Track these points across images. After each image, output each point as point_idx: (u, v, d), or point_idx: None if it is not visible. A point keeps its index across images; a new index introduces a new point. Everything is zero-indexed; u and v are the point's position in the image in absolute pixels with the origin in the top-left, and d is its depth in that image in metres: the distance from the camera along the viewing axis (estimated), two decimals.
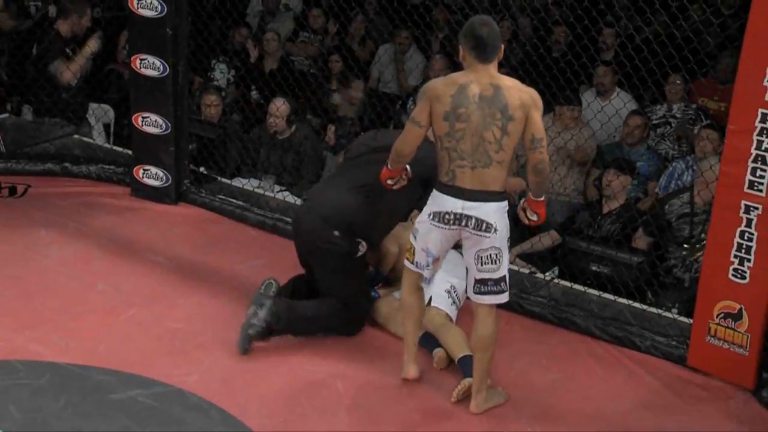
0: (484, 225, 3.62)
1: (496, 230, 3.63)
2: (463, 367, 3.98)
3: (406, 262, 3.90)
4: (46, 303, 4.53)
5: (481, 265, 3.69)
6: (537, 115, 3.61)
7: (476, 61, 3.62)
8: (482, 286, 3.73)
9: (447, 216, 3.66)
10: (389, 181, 3.93)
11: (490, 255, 3.67)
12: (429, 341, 4.25)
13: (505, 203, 3.68)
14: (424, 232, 3.76)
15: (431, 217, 3.70)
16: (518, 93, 3.60)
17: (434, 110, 3.62)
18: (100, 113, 6.84)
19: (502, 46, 3.66)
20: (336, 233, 4.16)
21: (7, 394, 3.74)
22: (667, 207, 5.16)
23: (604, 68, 6.53)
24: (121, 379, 3.91)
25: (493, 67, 3.64)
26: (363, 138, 4.83)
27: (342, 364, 4.14)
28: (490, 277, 3.70)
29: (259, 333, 4.16)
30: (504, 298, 3.78)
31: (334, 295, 4.24)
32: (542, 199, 3.76)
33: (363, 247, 4.23)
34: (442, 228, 3.69)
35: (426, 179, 3.97)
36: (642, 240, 5.19)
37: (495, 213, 3.63)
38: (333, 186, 4.35)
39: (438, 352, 4.18)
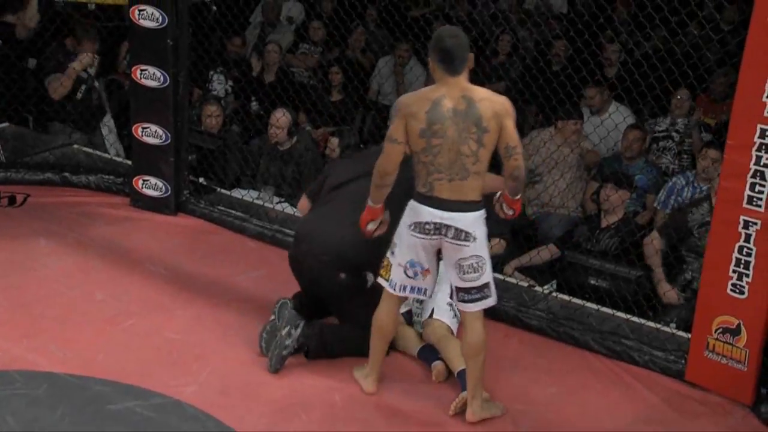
0: (464, 234, 3.65)
1: (475, 239, 3.66)
2: (461, 380, 3.97)
3: (381, 280, 3.90)
4: (45, 313, 4.52)
5: (464, 274, 3.72)
6: (510, 124, 3.64)
7: (446, 74, 3.64)
8: (466, 294, 3.76)
9: (427, 226, 3.68)
10: (370, 226, 3.84)
11: (472, 264, 3.70)
12: (429, 353, 4.25)
13: (483, 211, 3.71)
14: (405, 246, 3.77)
15: (411, 228, 3.72)
16: (491, 104, 3.63)
17: (410, 127, 3.64)
18: (110, 122, 6.87)
19: (471, 56, 3.68)
20: (342, 275, 4.14)
21: (4, 405, 3.73)
22: (689, 216, 5.12)
23: (592, 90, 6.53)
24: (119, 389, 3.90)
25: (463, 79, 3.66)
26: (345, 162, 4.74)
27: (339, 378, 4.13)
28: (473, 285, 3.73)
29: (291, 354, 4.14)
30: (490, 302, 3.80)
31: (357, 321, 4.15)
32: (518, 198, 3.81)
33: (371, 278, 4.16)
34: (422, 238, 3.71)
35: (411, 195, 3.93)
36: (653, 245, 5.14)
37: (474, 222, 3.66)
38: (331, 223, 4.18)
39: (437, 365, 4.18)
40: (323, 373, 4.16)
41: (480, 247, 3.69)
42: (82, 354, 4.17)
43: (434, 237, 3.69)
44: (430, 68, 3.72)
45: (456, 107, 3.61)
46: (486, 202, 3.79)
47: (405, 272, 3.80)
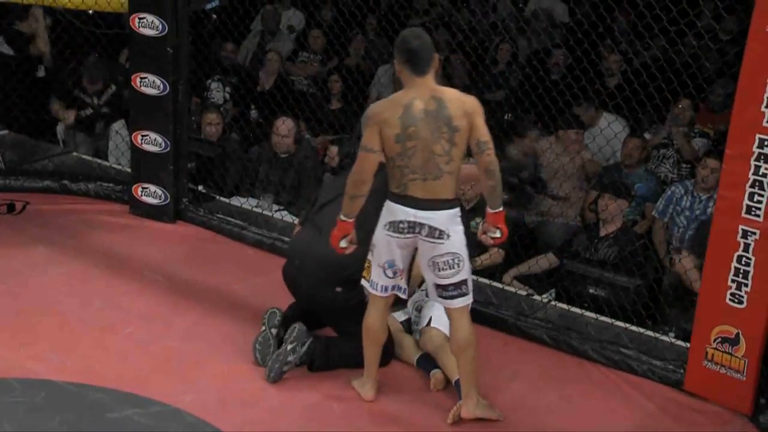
0: (437, 232, 3.67)
1: (449, 236, 3.68)
2: (459, 388, 3.97)
3: (363, 282, 3.92)
4: (43, 320, 4.52)
5: (439, 270, 3.74)
6: (480, 121, 3.66)
7: (413, 75, 3.68)
8: (443, 291, 3.78)
9: (401, 225, 3.70)
10: (342, 243, 3.81)
11: (447, 261, 3.71)
12: (427, 362, 4.24)
13: (457, 209, 3.73)
14: (382, 246, 3.80)
15: (386, 227, 3.75)
16: (460, 103, 3.66)
17: (385, 134, 3.65)
18: (115, 132, 6.90)
19: (437, 56, 3.72)
20: (338, 289, 4.14)
21: (3, 412, 3.73)
22: None
23: (580, 108, 6.51)
24: (118, 397, 3.89)
25: (430, 79, 3.70)
26: (336, 179, 4.71)
27: (338, 386, 4.13)
28: (450, 281, 3.75)
29: (291, 369, 4.14)
30: (468, 299, 3.81)
31: (356, 333, 4.07)
32: (501, 210, 3.75)
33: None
34: (397, 237, 3.73)
35: None
36: (691, 270, 5.05)
37: (447, 220, 3.68)
38: (324, 238, 4.05)
39: (435, 374, 4.17)
40: (321, 382, 4.15)
41: (455, 245, 3.70)
42: (80, 362, 4.17)
43: (408, 236, 3.71)
44: (396, 71, 3.76)
45: (427, 108, 3.64)
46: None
47: (384, 273, 3.83)
